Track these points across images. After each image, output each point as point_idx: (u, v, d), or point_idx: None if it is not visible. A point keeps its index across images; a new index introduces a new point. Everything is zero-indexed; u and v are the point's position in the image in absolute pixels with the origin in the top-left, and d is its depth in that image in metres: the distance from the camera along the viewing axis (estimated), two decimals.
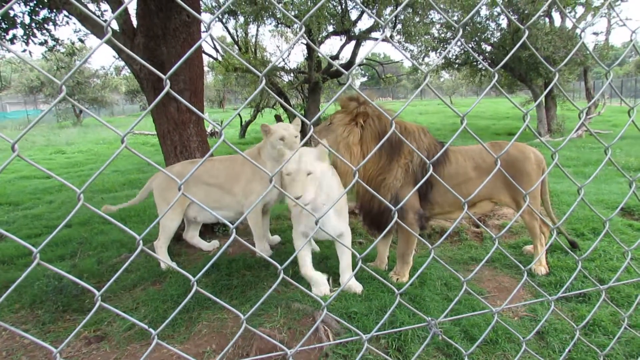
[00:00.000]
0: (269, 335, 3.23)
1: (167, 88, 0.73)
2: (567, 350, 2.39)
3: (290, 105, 14.41)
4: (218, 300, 1.25)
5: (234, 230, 1.02)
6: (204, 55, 13.34)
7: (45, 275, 4.00)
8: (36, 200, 8.43)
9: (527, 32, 1.28)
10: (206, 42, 15.53)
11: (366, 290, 3.65)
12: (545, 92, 1.27)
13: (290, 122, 15.05)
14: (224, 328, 3.37)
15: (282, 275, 1.00)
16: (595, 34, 15.49)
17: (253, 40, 15.16)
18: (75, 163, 13.80)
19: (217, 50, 14.99)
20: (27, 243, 0.93)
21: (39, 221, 6.76)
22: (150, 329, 0.89)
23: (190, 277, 0.88)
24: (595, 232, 4.84)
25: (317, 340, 3.04)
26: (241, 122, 18.96)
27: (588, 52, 14.43)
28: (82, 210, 7.07)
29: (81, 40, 7.19)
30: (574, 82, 24.55)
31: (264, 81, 0.80)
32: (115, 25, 5.37)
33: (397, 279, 3.92)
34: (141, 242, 0.94)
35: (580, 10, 14.62)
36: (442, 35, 15.29)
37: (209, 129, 19.15)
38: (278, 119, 14.53)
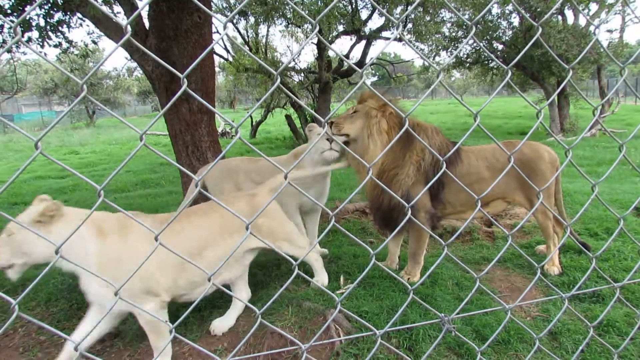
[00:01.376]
0: (280, 335, 3.25)
1: (184, 87, 0.74)
2: (580, 348, 2.37)
3: (300, 106, 14.45)
4: (229, 292, 1.26)
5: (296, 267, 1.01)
6: (214, 56, 13.44)
7: (60, 273, 4.07)
8: None
9: (540, 30, 1.27)
10: (217, 43, 15.64)
11: (377, 290, 3.65)
12: (558, 90, 1.26)
13: (300, 123, 14.92)
14: (235, 327, 3.39)
15: (296, 271, 1.01)
16: (610, 31, 15.26)
17: (264, 40, 15.23)
18: (88, 163, 13.99)
19: (228, 51, 15.09)
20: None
21: None
22: (168, 323, 0.90)
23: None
24: (609, 231, 4.78)
25: (328, 337, 3.05)
26: (252, 122, 19.05)
27: (602, 50, 14.25)
28: (100, 208, 7.17)
29: (94, 42, 7.29)
30: (587, 81, 24.24)
31: (278, 79, 0.81)
32: (128, 26, 5.44)
33: (408, 278, 3.91)
34: (159, 238, 0.96)
35: (594, 7, 14.44)
36: (453, 34, 15.20)
37: (219, 129, 19.27)
38: (288, 119, 14.57)
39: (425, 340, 2.99)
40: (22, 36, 5.67)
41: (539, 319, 3.36)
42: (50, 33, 6.09)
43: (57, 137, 23.26)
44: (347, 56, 14.52)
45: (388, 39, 14.47)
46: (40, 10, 5.88)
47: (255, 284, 3.97)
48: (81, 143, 20.47)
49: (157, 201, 7.73)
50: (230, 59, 14.98)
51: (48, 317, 3.74)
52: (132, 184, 9.69)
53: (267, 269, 4.22)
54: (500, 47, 15.47)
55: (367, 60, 14.42)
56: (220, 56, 15.61)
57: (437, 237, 1.45)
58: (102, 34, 6.47)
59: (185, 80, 0.73)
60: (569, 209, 5.77)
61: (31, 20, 5.62)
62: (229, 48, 15.04)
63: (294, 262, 1.02)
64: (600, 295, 3.52)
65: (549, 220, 4.03)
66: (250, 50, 14.84)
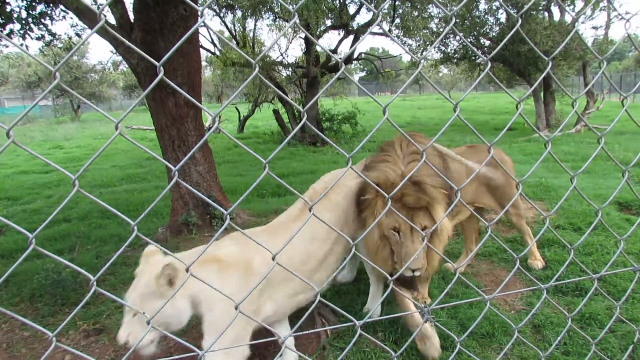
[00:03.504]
0: (267, 330, 3.25)
1: (160, 75, 0.73)
2: (558, 339, 2.41)
3: (287, 101, 14.42)
4: (216, 288, 1.26)
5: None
6: (202, 50, 13.31)
7: (44, 269, 4.01)
8: (35, 195, 8.43)
9: (519, 21, 1.27)
10: (204, 36, 15.49)
11: (363, 286, 3.67)
12: (538, 80, 1.28)
13: (288, 117, 14.80)
14: None
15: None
16: (595, 28, 15.43)
17: (251, 34, 15.11)
18: (73, 158, 13.78)
19: (214, 45, 14.94)
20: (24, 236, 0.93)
21: (37, 216, 6.76)
22: (146, 314, 0.89)
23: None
24: (590, 225, 4.86)
25: (315, 332, 3.06)
26: (239, 116, 18.93)
27: (586, 47, 14.42)
28: (80, 205, 7.09)
29: (78, 35, 7.15)
30: (572, 77, 24.49)
31: (257, 69, 0.80)
32: (112, 18, 5.36)
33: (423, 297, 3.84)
34: (136, 228, 0.94)
35: (579, 4, 14.59)
36: (441, 29, 15.23)
37: (207, 123, 19.13)
38: (276, 113, 14.51)
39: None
40: (4, 28, 5.57)
41: (523, 312, 3.41)
42: (32, 25, 5.96)
43: (41, 132, 22.87)
44: (335, 50, 14.49)
45: (376, 33, 14.47)
46: (22, 1, 5.75)
47: None
48: (66, 137, 20.14)
49: (144, 196, 7.66)
50: (218, 53, 14.84)
51: (32, 313, 3.70)
52: (118, 179, 9.58)
53: None
54: (487, 42, 15.57)
55: (355, 54, 14.41)
56: (207, 50, 15.46)
57: (418, 229, 1.46)
58: (85, 26, 6.37)
59: (161, 68, 0.72)
60: (554, 203, 5.85)
61: (12, 12, 5.50)
62: (216, 42, 14.90)
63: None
64: (583, 289, 3.58)
65: (522, 219, 4.13)
66: (238, 44, 14.72)
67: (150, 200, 7.24)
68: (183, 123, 5.41)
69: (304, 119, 1.05)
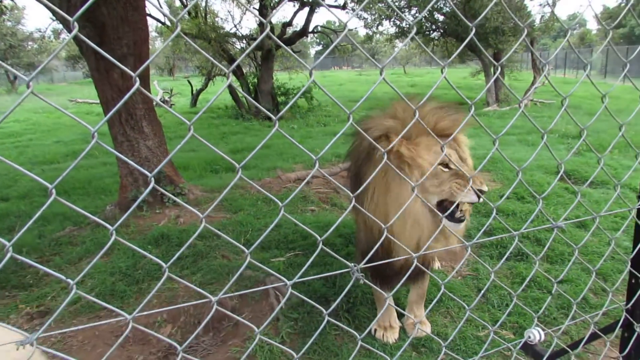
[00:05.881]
0: (221, 303, 3.23)
1: (75, 31, 0.67)
2: (485, 287, 2.55)
3: (242, 74, 14.06)
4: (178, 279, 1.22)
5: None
6: (151, 19, 12.69)
7: None
8: None
9: None
10: (153, 4, 14.71)
11: (318, 257, 3.71)
12: (462, 45, 1.28)
13: (242, 91, 14.52)
14: (175, 298, 3.34)
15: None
16: (542, 5, 15.90)
17: (203, 4, 14.50)
18: (11, 133, 12.91)
19: (164, 14, 14.26)
20: None
21: None
22: (87, 295, 0.83)
23: (162, 263, 0.84)
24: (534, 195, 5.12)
25: (269, 305, 3.08)
26: (192, 90, 18.33)
27: (535, 24, 14.89)
28: (20, 183, 6.69)
29: None
30: (521, 54, 25.32)
31: (179, 27, 0.75)
32: None
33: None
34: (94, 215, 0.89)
35: None
36: (396, 3, 15.23)
37: (158, 97, 18.40)
38: (230, 87, 14.15)
39: (363, 303, 3.10)
40: None
41: (469, 277, 3.56)
42: None
43: None
44: (290, 23, 14.20)
45: (332, 6, 14.27)
46: None
47: (195, 255, 3.90)
48: (1, 111, 18.81)
49: (90, 173, 7.33)
50: (168, 22, 14.18)
51: None
52: (62, 155, 9.09)
53: (207, 240, 4.15)
54: (441, 18, 15.74)
55: (311, 27, 14.19)
56: (157, 20, 14.74)
57: (347, 191, 1.46)
58: None
59: (75, 24, 0.66)
60: (499, 174, 6.10)
61: None
62: (166, 11, 14.21)
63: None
64: (524, 254, 3.78)
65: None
66: (189, 14, 14.10)
67: (98, 178, 6.94)
68: (130, 95, 5.16)
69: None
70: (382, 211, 2.20)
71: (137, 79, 0.75)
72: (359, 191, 1.23)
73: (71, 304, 3.29)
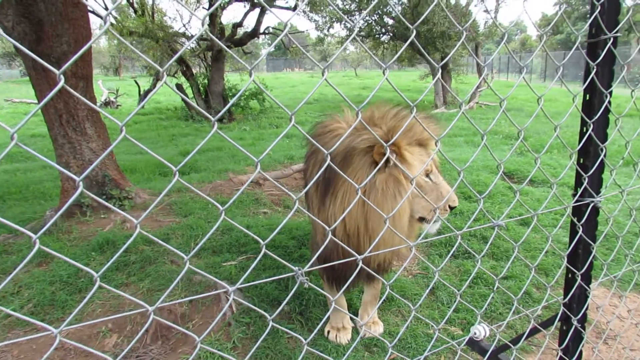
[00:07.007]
0: (169, 310, 3.14)
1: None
2: (431, 285, 2.61)
3: (192, 74, 13.72)
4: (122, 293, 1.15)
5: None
6: (94, 16, 12.15)
7: None
8: None
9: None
10: (96, 1, 14.10)
11: (269, 260, 3.67)
12: (403, 48, 1.31)
13: (192, 92, 14.18)
14: (121, 306, 3.20)
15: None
16: (487, 11, 16.62)
17: (150, 2, 14.04)
18: None
19: (92, 11, 13.66)
20: None
21: None
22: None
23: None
24: (480, 194, 5.32)
25: (220, 310, 3.01)
26: (139, 90, 17.70)
27: (479, 29, 15.53)
28: None
29: None
30: (467, 57, 26.32)
31: (107, 23, 0.70)
32: None
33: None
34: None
35: None
36: (347, 6, 15.41)
37: (103, 98, 17.63)
38: (180, 88, 13.78)
39: (316, 305, 3.09)
40: None
41: (419, 276, 3.64)
42: None
43: None
44: (240, 24, 14.02)
45: (282, 7, 14.23)
46: None
47: (142, 260, 3.76)
48: None
49: (28, 177, 6.90)
50: (113, 20, 13.61)
51: None
52: None
53: (155, 245, 4.00)
54: (391, 22, 16.09)
55: (262, 28, 14.08)
56: (100, 17, 14.10)
57: (290, 194, 1.46)
58: None
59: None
60: (447, 175, 6.29)
61: None
62: (110, 7, 13.63)
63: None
64: (471, 254, 3.91)
65: None
66: (136, 12, 13.61)
67: (37, 182, 6.54)
68: (71, 96, 4.90)
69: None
70: (359, 216, 2.19)
71: (62, 76, 0.70)
72: (301, 194, 1.22)
73: (5, 317, 3.08)
